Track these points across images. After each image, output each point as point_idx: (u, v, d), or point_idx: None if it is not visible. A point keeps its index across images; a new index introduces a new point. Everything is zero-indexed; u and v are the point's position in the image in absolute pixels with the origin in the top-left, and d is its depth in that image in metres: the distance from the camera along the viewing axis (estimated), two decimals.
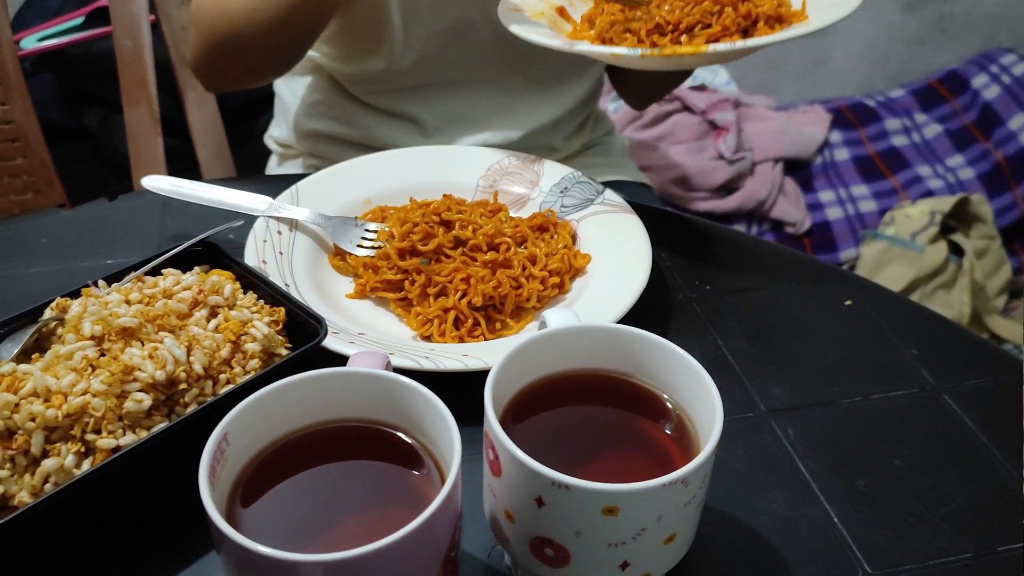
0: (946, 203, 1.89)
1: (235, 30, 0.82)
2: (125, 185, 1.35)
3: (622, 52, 0.68)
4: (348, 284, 0.68)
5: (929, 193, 2.05)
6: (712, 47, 0.67)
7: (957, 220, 1.91)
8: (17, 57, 1.15)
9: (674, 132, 1.88)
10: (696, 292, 0.72)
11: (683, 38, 0.73)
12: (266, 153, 1.19)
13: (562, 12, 0.81)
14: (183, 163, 1.31)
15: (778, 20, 0.73)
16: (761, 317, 0.70)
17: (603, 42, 0.76)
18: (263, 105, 1.40)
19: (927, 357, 0.67)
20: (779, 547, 0.52)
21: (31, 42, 1.34)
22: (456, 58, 0.94)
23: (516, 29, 0.74)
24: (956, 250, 1.87)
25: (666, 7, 0.74)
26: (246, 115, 1.39)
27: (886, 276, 1.82)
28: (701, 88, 1.97)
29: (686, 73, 1.00)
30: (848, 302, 0.72)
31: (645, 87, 1.07)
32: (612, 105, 1.92)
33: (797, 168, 2.04)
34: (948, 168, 2.12)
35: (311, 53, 1.03)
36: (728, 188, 1.89)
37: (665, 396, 0.49)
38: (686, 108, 1.91)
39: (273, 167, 1.16)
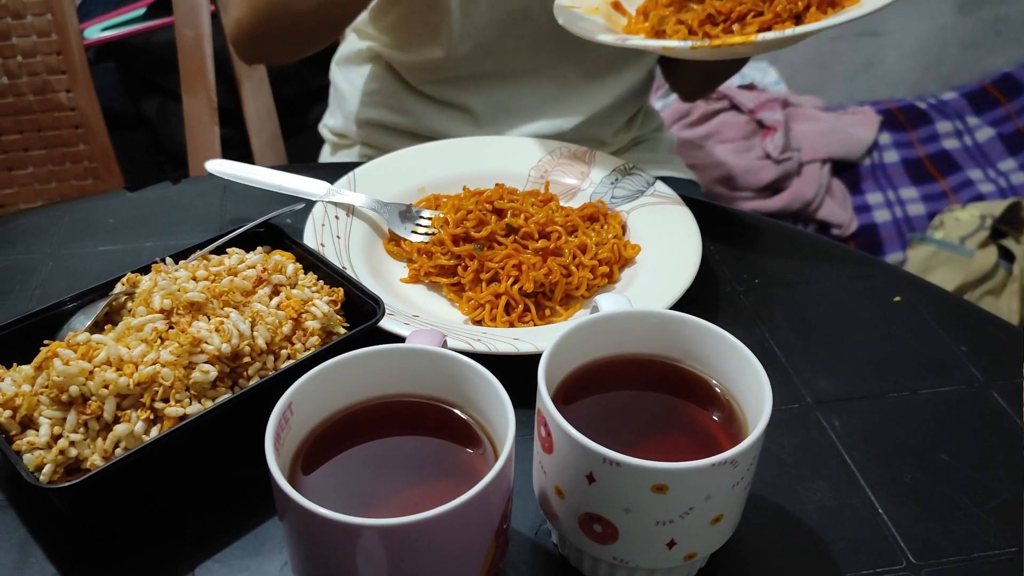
0: (997, 207, 1.86)
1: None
2: (181, 172, 1.38)
3: (673, 45, 0.69)
4: (402, 269, 0.70)
5: (980, 197, 2.02)
6: (761, 36, 0.67)
7: (1008, 225, 1.88)
8: (83, 47, 1.19)
9: (721, 131, 1.88)
10: (744, 285, 0.73)
11: (735, 27, 0.72)
12: (318, 143, 1.22)
13: (616, 6, 0.82)
14: (237, 152, 1.33)
15: (831, 4, 0.72)
16: (809, 310, 0.71)
17: (656, 35, 0.77)
18: (316, 96, 1.43)
19: (977, 354, 0.67)
20: (823, 536, 0.52)
21: (95, 32, 1.38)
22: (512, 46, 0.95)
23: (570, 26, 0.75)
24: (1006, 255, 1.84)
25: None
26: (299, 106, 1.42)
27: (933, 280, 1.79)
28: (750, 87, 1.96)
29: (738, 64, 1.01)
30: (897, 298, 0.72)
31: (697, 78, 1.07)
32: (660, 103, 1.93)
33: (845, 169, 2.02)
34: (1000, 172, 2.09)
35: (370, 43, 1.05)
36: (774, 188, 1.88)
37: (714, 382, 0.50)
38: (734, 107, 1.90)
39: (326, 156, 1.18)
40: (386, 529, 0.39)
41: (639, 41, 0.71)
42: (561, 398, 0.49)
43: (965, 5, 2.22)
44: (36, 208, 0.78)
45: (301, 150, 1.34)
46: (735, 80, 1.93)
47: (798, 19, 0.73)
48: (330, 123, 1.15)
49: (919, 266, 1.84)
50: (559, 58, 0.99)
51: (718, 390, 0.50)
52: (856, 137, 2.03)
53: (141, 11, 1.39)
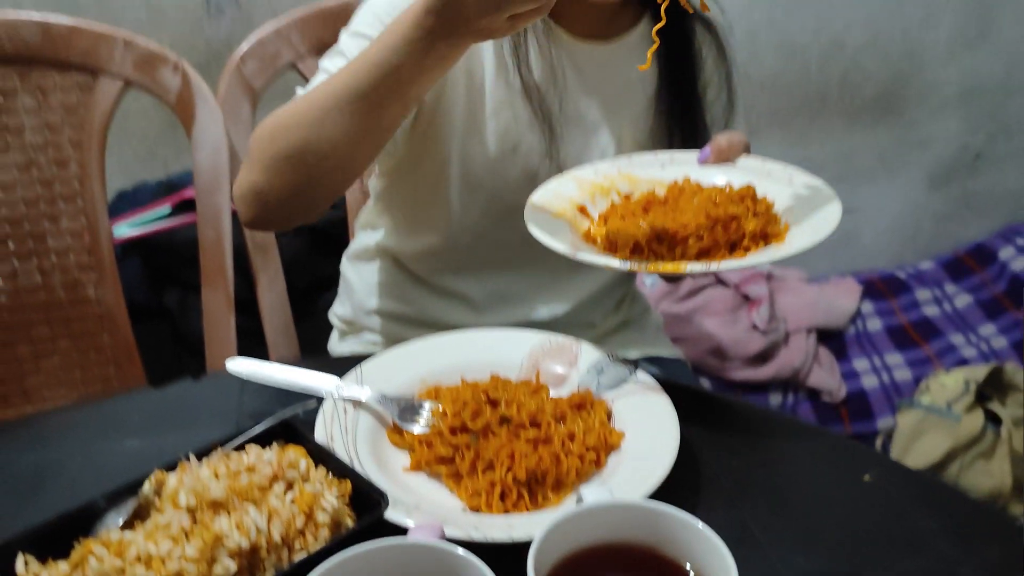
0: (980, 372, 1.93)
1: (304, 141, 0.85)
2: (198, 361, 1.46)
3: (615, 264, 0.79)
4: (405, 457, 0.76)
5: (963, 361, 2.08)
6: (689, 267, 0.78)
7: (992, 388, 1.93)
8: (113, 246, 1.29)
9: (708, 304, 1.97)
10: (724, 466, 0.78)
11: (678, 248, 0.83)
12: (327, 328, 1.30)
13: (583, 210, 0.92)
14: (251, 340, 1.42)
15: (764, 237, 0.82)
16: (785, 489, 0.76)
17: (610, 244, 0.85)
18: (326, 284, 1.53)
19: (946, 531, 0.71)
20: None
21: (123, 229, 1.49)
22: (506, 237, 1.05)
23: (534, 229, 0.84)
24: (993, 419, 1.88)
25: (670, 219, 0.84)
26: (310, 293, 1.51)
27: (924, 445, 1.84)
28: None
29: None
30: (867, 476, 0.77)
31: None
32: (648, 279, 2.03)
33: (830, 338, 2.11)
34: (981, 337, 2.16)
35: (377, 238, 1.15)
36: (763, 357, 1.95)
37: (688, 566, 0.55)
38: (720, 282, 2.01)
39: (335, 342, 1.26)
40: None
41: (586, 256, 0.80)
42: None
43: (935, 182, 2.37)
44: (66, 407, 0.85)
45: (312, 334, 1.41)
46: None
47: (734, 246, 0.82)
48: (339, 311, 1.24)
49: (909, 431, 1.88)
50: (548, 249, 1.09)
51: (692, 573, 0.55)
52: (839, 307, 2.13)
53: (167, 210, 1.51)
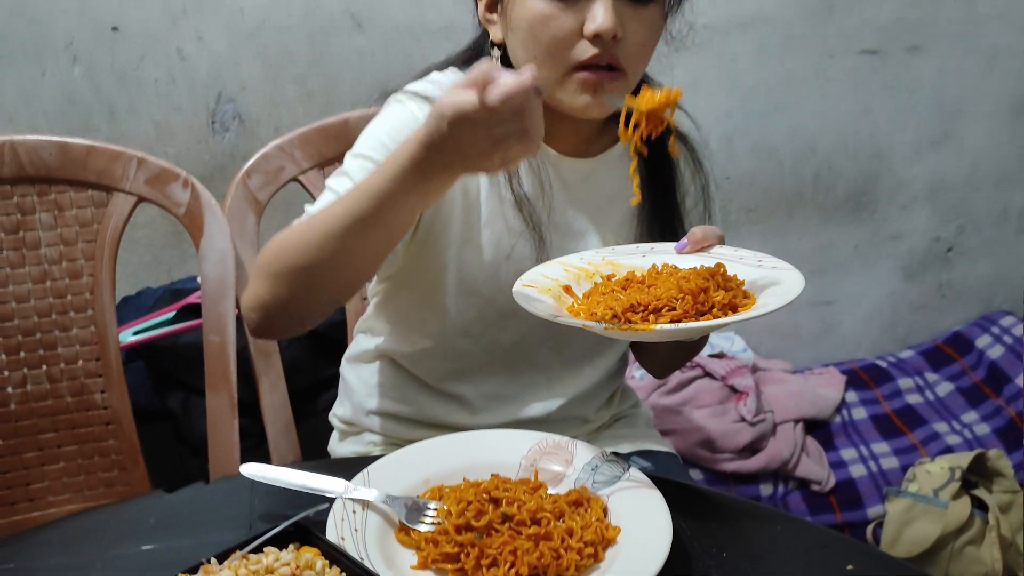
0: (964, 459, 1.97)
1: (307, 260, 0.91)
2: (201, 462, 1.49)
3: (592, 325, 0.85)
4: (412, 556, 0.80)
5: (948, 449, 2.13)
6: (659, 326, 0.84)
7: (977, 475, 1.97)
8: (120, 352, 1.34)
9: (697, 397, 2.02)
10: (714, 559, 0.82)
11: (651, 317, 0.88)
12: (326, 429, 1.34)
13: (567, 289, 0.98)
14: (252, 440, 1.46)
15: (732, 308, 0.88)
16: None
17: (591, 315, 0.90)
18: (325, 385, 1.58)
19: None
20: None
21: (127, 335, 1.54)
22: (501, 340, 1.10)
23: (519, 299, 0.90)
24: (980, 505, 1.92)
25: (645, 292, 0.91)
26: (310, 394, 1.56)
27: (913, 533, 1.87)
28: (720, 356, 2.13)
29: (695, 347, 1.17)
30: (850, 566, 0.81)
31: (663, 360, 1.23)
32: (638, 373, 2.08)
33: (817, 428, 2.15)
34: (964, 424, 2.21)
35: (375, 341, 1.20)
36: (752, 449, 1.99)
37: None
38: (707, 374, 2.06)
39: (335, 442, 1.30)
40: None
41: (566, 319, 0.86)
42: None
43: (909, 274, 2.46)
44: (84, 512, 0.88)
45: (312, 435, 1.45)
46: (705, 350, 2.10)
47: (701, 315, 0.88)
48: (340, 412, 1.28)
49: (898, 519, 1.91)
50: (542, 349, 1.14)
51: None
52: (824, 397, 2.18)
53: (171, 315, 1.57)
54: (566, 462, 0.91)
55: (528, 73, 0.79)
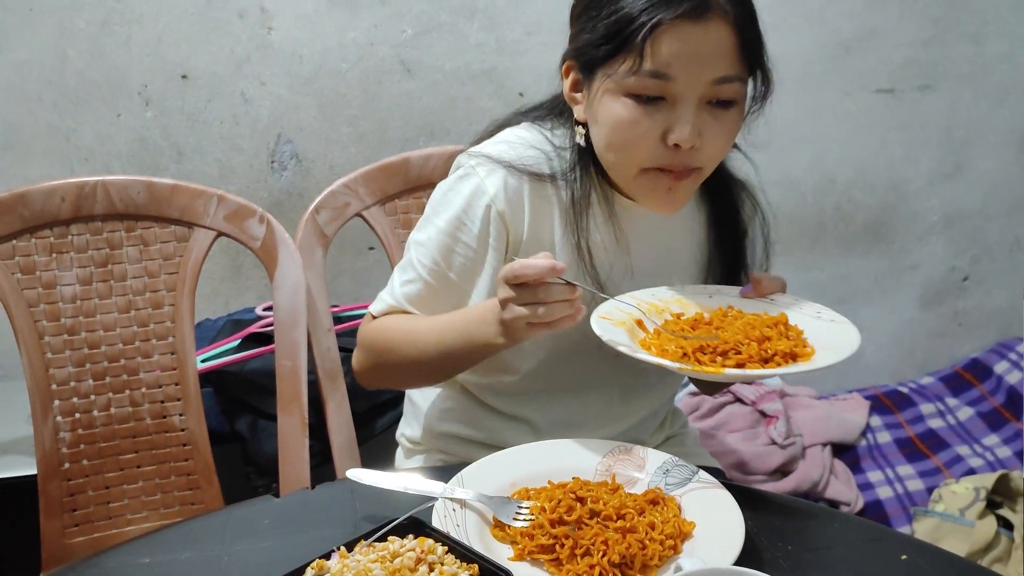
0: (988, 480, 2.04)
1: (394, 369, 1.17)
2: (266, 481, 1.57)
3: (666, 364, 0.94)
4: (508, 549, 0.88)
5: (971, 471, 2.20)
6: (727, 370, 0.94)
7: (1001, 495, 2.04)
8: (197, 378, 1.43)
9: (729, 421, 2.10)
10: (780, 551, 0.90)
11: (719, 359, 0.97)
12: (385, 448, 1.42)
13: (639, 323, 1.06)
14: (316, 459, 1.54)
15: (792, 357, 0.97)
16: (832, 569, 0.88)
17: (662, 353, 0.99)
18: (381, 410, 1.66)
19: None
20: None
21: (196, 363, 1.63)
22: (569, 371, 1.18)
23: (600, 331, 0.99)
24: (1006, 524, 1.99)
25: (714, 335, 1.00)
26: (369, 418, 1.64)
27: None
28: (750, 382, 2.21)
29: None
30: (904, 556, 0.89)
31: (717, 385, 1.29)
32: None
33: (845, 451, 2.23)
34: (985, 447, 2.29)
35: None
36: (783, 471, 2.06)
37: None
38: (738, 400, 2.14)
39: (401, 459, 1.38)
40: None
41: (644, 356, 0.96)
42: None
43: (926, 303, 2.55)
44: (201, 516, 0.96)
45: (372, 454, 1.53)
46: None
47: (766, 362, 0.97)
48: (407, 432, 1.36)
49: (927, 538, 1.98)
50: (604, 380, 1.21)
51: None
52: (850, 421, 2.26)
53: (236, 343, 1.66)
54: (639, 467, 1.00)
55: (544, 262, 0.94)
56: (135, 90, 1.75)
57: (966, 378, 2.50)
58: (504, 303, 0.98)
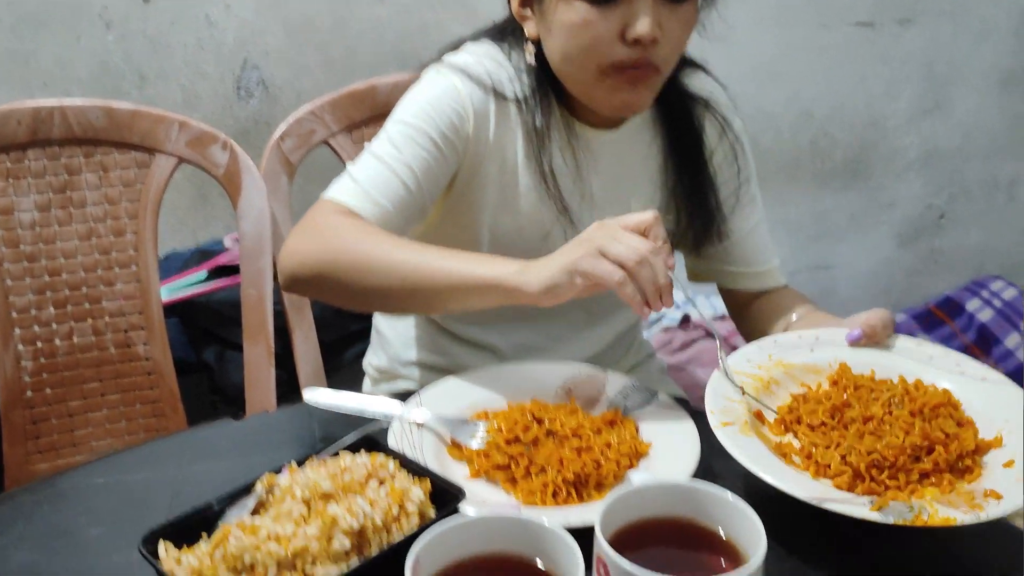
0: None
1: (367, 288, 0.98)
2: (233, 409, 1.56)
3: (875, 518, 0.72)
4: (465, 468, 0.88)
5: None
6: (961, 519, 0.71)
7: None
8: (162, 307, 1.42)
9: (700, 356, 2.11)
10: (733, 472, 0.90)
11: (900, 475, 0.77)
12: (353, 377, 1.41)
13: (759, 416, 0.89)
14: (283, 389, 1.53)
15: (976, 452, 0.80)
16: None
17: (819, 467, 0.80)
18: (351, 340, 1.65)
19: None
20: None
21: (163, 294, 1.61)
22: None
23: (763, 476, 0.76)
24: None
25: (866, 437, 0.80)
26: (338, 348, 1.63)
27: None
28: (723, 318, 2.21)
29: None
30: None
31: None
32: (645, 333, 2.17)
33: None
34: None
35: None
36: None
37: (722, 532, 0.67)
38: (709, 334, 2.15)
39: (368, 389, 1.38)
40: None
41: (836, 507, 0.73)
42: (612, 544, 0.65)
43: (903, 241, 2.55)
44: (160, 438, 0.96)
45: (340, 385, 1.52)
46: (707, 312, 2.18)
47: (951, 467, 0.78)
48: (374, 361, 1.36)
49: None
50: (570, 305, 1.21)
51: (725, 538, 0.67)
52: None
53: (203, 275, 1.64)
54: (598, 390, 1.00)
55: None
56: (96, 12, 1.70)
57: (938, 315, 2.51)
58: (596, 253, 0.88)
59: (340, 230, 1.00)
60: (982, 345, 2.40)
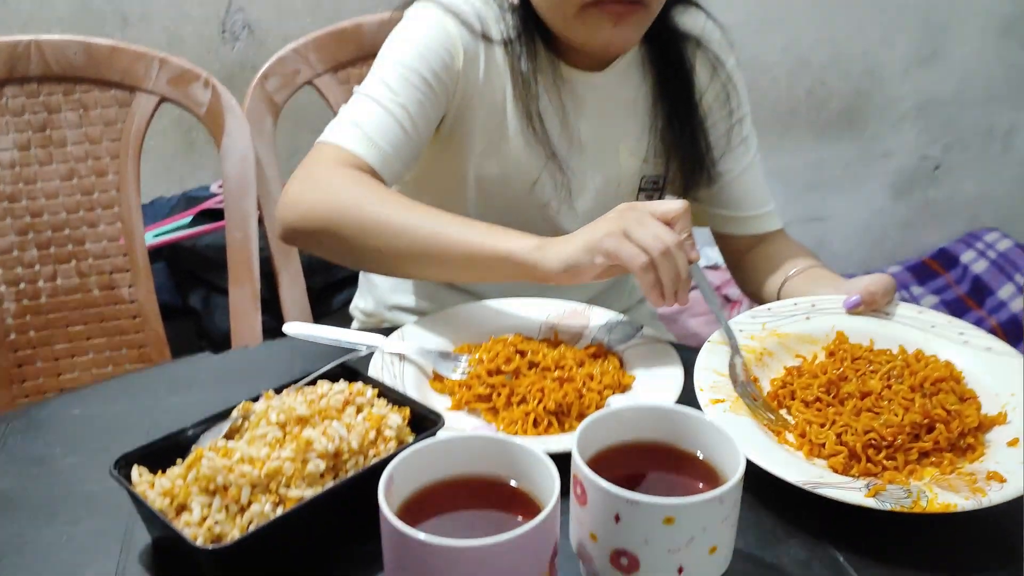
0: None
1: (374, 251, 0.93)
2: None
3: (870, 504, 0.68)
4: (446, 400, 0.87)
5: None
6: (961, 505, 0.67)
7: None
8: (147, 251, 1.40)
9: (692, 306, 2.10)
10: None
11: (898, 455, 0.74)
12: (342, 324, 1.40)
13: (755, 381, 0.85)
14: (270, 336, 1.52)
15: (978, 429, 0.76)
16: None
17: (813, 446, 0.76)
18: (340, 285, 1.64)
19: None
20: None
21: (148, 238, 1.59)
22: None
23: (757, 459, 0.72)
24: None
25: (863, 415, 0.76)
26: (326, 293, 1.62)
27: None
28: (714, 267, 2.20)
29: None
30: None
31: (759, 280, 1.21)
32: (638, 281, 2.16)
33: None
34: None
35: None
36: None
37: (700, 455, 0.66)
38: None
39: None
40: (470, 549, 0.54)
41: (830, 491, 0.69)
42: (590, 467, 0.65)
43: (897, 192, 2.53)
44: (137, 371, 0.95)
45: None
46: (702, 262, 2.17)
47: (953, 446, 0.75)
48: (361, 305, 1.35)
49: None
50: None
51: (703, 459, 0.66)
52: None
53: (188, 220, 1.62)
54: (582, 324, 0.98)
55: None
56: None
57: (932, 267, 2.51)
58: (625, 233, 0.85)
59: (347, 184, 0.94)
60: (976, 296, 2.40)
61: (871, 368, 0.82)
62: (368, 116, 1.01)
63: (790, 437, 0.79)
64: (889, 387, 0.80)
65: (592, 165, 1.13)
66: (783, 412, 0.82)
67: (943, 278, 2.47)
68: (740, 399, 0.81)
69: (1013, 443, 0.75)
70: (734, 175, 1.18)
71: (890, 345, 0.87)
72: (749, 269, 1.21)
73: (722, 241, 1.26)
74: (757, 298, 1.20)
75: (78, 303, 1.39)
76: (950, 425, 0.75)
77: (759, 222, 1.20)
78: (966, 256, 2.48)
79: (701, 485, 0.65)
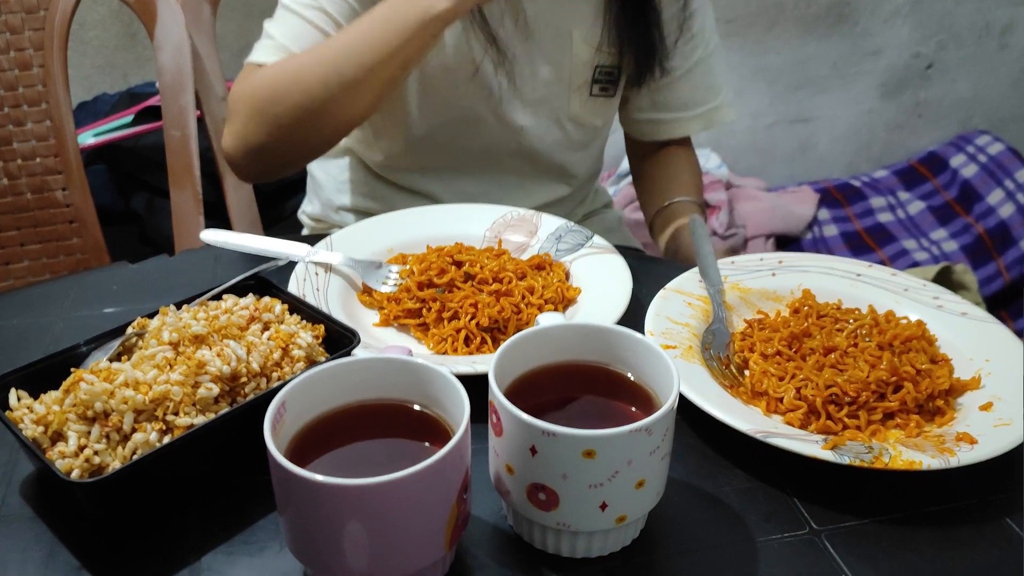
0: (930, 272, 2.01)
1: (307, 98, 0.88)
2: None
3: (830, 458, 0.62)
4: (375, 316, 0.80)
5: (915, 264, 2.16)
6: (927, 463, 0.61)
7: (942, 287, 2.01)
8: (79, 150, 1.31)
9: None
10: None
11: (861, 413, 0.69)
12: (296, 231, 1.32)
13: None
14: None
15: (949, 393, 0.71)
16: None
17: (766, 398, 0.71)
18: (293, 188, 1.55)
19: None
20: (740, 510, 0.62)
21: (87, 138, 1.50)
22: (467, 145, 1.08)
23: (699, 401, 0.67)
24: None
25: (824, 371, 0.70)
26: (277, 198, 1.54)
27: None
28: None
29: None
30: None
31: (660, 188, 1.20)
32: (612, 188, 2.07)
33: (788, 244, 2.17)
34: (932, 241, 2.24)
35: (344, 141, 1.17)
36: None
37: (633, 377, 0.60)
38: None
39: None
40: (365, 488, 0.48)
41: (782, 441, 0.63)
42: (509, 395, 0.58)
43: (887, 92, 2.42)
44: (47, 280, 0.87)
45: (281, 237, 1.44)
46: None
47: (920, 408, 0.70)
48: (308, 210, 1.27)
49: None
50: (513, 157, 1.11)
51: (638, 383, 0.60)
52: (796, 213, 2.19)
53: (129, 118, 1.52)
54: (530, 233, 0.91)
55: None
56: None
57: (921, 172, 2.42)
58: None
59: (265, 80, 0.92)
60: (963, 202, 2.32)
61: (837, 326, 0.76)
62: (284, 29, 0.96)
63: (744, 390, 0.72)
64: (855, 345, 0.73)
65: (541, 52, 1.05)
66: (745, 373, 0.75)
67: (931, 183, 2.39)
68: (695, 351, 0.74)
69: (986, 407, 0.69)
70: (681, 72, 1.11)
71: (859, 305, 0.81)
72: (643, 188, 1.24)
73: (630, 147, 1.25)
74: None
75: (9, 206, 1.31)
76: (919, 385, 0.69)
77: (673, 127, 1.18)
78: (956, 160, 2.39)
79: (634, 410, 0.59)
